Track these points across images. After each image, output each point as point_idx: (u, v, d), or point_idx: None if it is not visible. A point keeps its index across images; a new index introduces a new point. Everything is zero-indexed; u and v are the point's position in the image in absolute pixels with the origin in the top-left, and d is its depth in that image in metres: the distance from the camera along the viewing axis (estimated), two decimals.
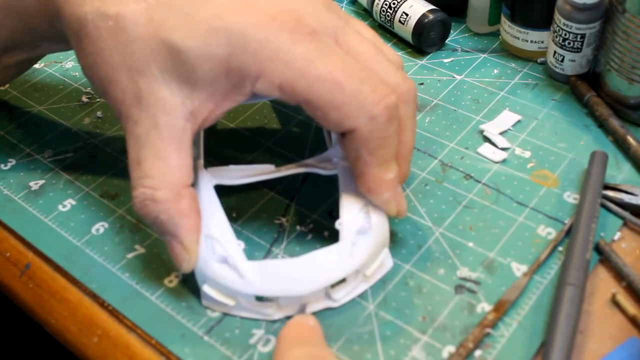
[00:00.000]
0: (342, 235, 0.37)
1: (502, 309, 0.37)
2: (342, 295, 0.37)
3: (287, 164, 0.41)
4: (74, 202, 0.45)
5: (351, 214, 0.37)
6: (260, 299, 0.36)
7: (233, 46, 0.33)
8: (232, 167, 0.41)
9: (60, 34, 0.38)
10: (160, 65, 0.34)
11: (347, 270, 0.36)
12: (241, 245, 0.36)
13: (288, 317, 0.37)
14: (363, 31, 0.39)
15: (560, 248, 0.40)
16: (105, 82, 0.36)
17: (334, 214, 0.43)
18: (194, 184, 0.39)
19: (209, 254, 0.36)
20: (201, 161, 0.41)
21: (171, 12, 0.34)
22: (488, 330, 0.36)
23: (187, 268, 0.36)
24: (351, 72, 0.34)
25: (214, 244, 0.36)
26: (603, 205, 0.41)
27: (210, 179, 0.39)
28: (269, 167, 0.41)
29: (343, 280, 0.37)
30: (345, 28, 0.37)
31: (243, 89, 0.35)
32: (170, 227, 0.35)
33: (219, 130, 0.49)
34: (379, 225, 0.37)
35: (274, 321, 0.37)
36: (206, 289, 0.37)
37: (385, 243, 0.38)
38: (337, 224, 0.38)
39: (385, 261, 0.39)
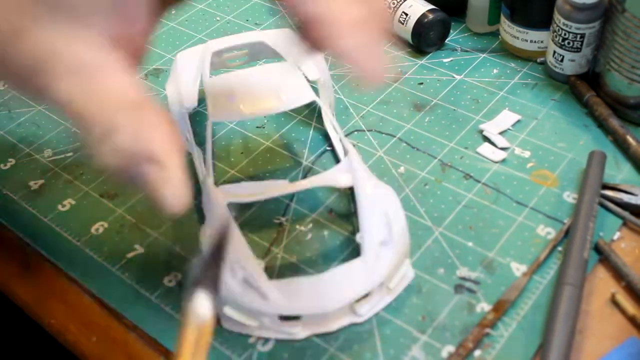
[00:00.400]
0: (365, 249, 0.37)
1: (501, 309, 0.37)
2: (367, 310, 0.37)
3: (285, 164, 0.41)
4: (73, 202, 0.45)
5: (372, 226, 0.37)
6: (284, 318, 0.36)
7: None
8: (244, 184, 0.41)
9: None
10: (48, 14, 0.29)
11: (371, 284, 0.36)
12: (261, 264, 0.36)
13: (316, 336, 0.36)
14: None
15: (559, 248, 0.40)
16: (3, 69, 0.30)
17: (333, 212, 0.43)
18: (205, 203, 0.39)
19: (229, 276, 0.35)
20: (211, 179, 0.40)
21: None
22: (487, 330, 0.36)
23: (172, 199, 0.28)
24: None
25: (233, 265, 0.36)
26: (602, 205, 0.41)
27: (223, 197, 0.39)
28: (282, 182, 0.41)
29: (367, 295, 0.36)
30: None
31: None
32: (139, 148, 0.28)
33: (219, 129, 0.49)
34: (400, 236, 0.37)
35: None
36: (228, 311, 0.36)
37: (406, 254, 0.38)
38: (358, 237, 0.37)
39: (407, 272, 0.38)
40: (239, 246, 0.37)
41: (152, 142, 0.28)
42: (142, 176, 0.28)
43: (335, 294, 0.35)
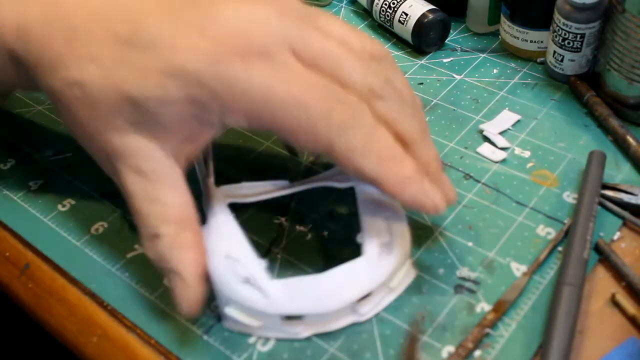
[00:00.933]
0: (366, 249, 0.36)
1: (501, 309, 0.37)
2: (369, 309, 0.37)
3: (286, 164, 0.41)
4: (73, 202, 0.45)
5: (372, 226, 0.37)
6: (286, 318, 0.36)
7: (189, 86, 0.33)
8: (245, 184, 0.41)
9: (36, 89, 0.38)
10: (126, 118, 0.34)
11: (373, 284, 0.36)
12: (262, 264, 0.36)
13: (316, 335, 0.36)
14: (327, 25, 0.36)
15: (559, 248, 0.40)
16: (85, 143, 0.37)
17: (333, 212, 0.43)
18: (206, 203, 0.39)
19: (231, 275, 0.35)
20: (211, 179, 0.40)
21: (125, 66, 0.34)
22: (487, 330, 0.36)
23: (187, 307, 0.35)
24: (311, 89, 0.33)
25: (235, 265, 0.36)
26: (602, 205, 0.41)
27: (224, 197, 0.39)
28: (283, 182, 0.41)
29: (369, 294, 0.36)
30: (301, 32, 0.35)
31: (213, 124, 0.35)
32: (171, 260, 0.35)
33: None
34: (401, 236, 0.37)
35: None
36: (229, 311, 0.36)
37: (407, 253, 0.38)
38: (359, 238, 0.37)
39: (409, 271, 0.38)
40: (240, 245, 0.37)
41: (182, 262, 0.34)
42: (169, 278, 0.35)
43: (337, 294, 0.35)
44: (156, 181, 0.35)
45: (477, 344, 0.35)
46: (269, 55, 0.33)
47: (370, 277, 0.36)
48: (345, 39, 0.36)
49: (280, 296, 0.35)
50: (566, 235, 0.40)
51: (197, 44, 0.33)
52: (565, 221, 0.41)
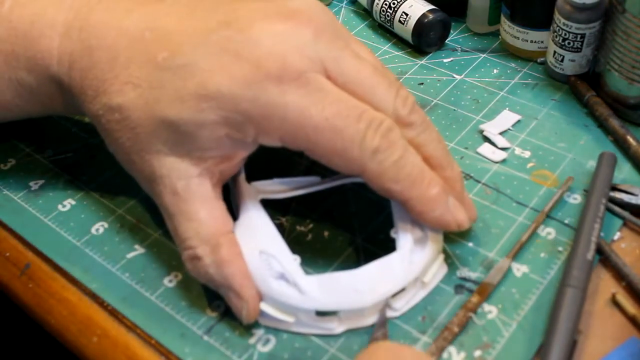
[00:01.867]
0: (400, 244, 0.37)
1: (484, 292, 0.37)
2: (402, 304, 0.37)
3: (286, 164, 0.41)
4: (73, 202, 0.45)
5: (406, 221, 0.37)
6: (320, 313, 0.36)
7: (225, 110, 0.34)
8: (276, 180, 0.41)
9: (79, 113, 0.40)
10: (163, 140, 0.36)
11: (407, 279, 0.36)
12: (297, 259, 0.36)
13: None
14: (361, 51, 0.38)
15: (559, 248, 0.40)
16: (126, 165, 0.39)
17: (334, 214, 0.43)
18: (236, 199, 0.40)
19: (265, 271, 0.36)
20: (243, 175, 0.40)
21: (162, 91, 0.35)
22: (471, 314, 0.36)
23: (247, 317, 0.36)
24: (346, 112, 0.34)
25: (270, 260, 0.36)
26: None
27: (256, 193, 0.39)
28: (315, 179, 0.41)
29: (403, 289, 0.36)
30: (336, 56, 0.35)
31: (247, 144, 0.36)
32: (219, 278, 0.36)
33: None
34: (434, 231, 0.37)
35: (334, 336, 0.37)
36: (264, 307, 0.36)
37: (440, 248, 0.38)
38: (393, 233, 0.38)
39: (441, 266, 0.39)
40: (274, 241, 0.37)
41: (231, 277, 0.35)
42: (221, 293, 0.36)
43: (372, 289, 0.36)
44: (190, 200, 0.36)
45: (463, 327, 0.36)
46: (305, 80, 0.34)
47: (404, 272, 0.36)
48: (375, 64, 0.37)
49: (316, 292, 0.35)
50: (547, 218, 0.41)
51: (232, 68, 0.34)
52: (566, 221, 0.41)
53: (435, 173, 0.37)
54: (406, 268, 0.36)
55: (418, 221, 0.37)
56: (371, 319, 0.36)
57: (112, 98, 0.36)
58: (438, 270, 0.38)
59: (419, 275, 0.37)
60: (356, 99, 0.35)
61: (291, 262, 0.36)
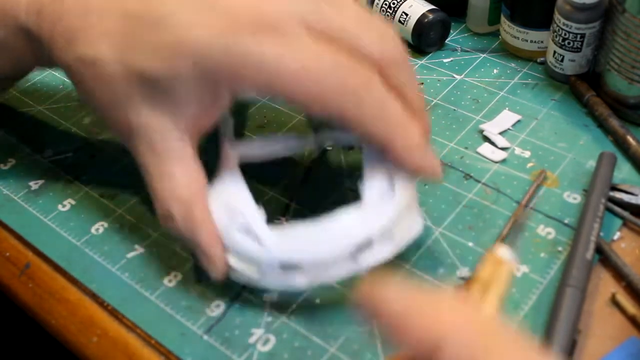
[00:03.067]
0: (365, 194, 0.36)
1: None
2: (367, 259, 0.35)
3: (286, 163, 0.41)
4: (73, 202, 0.45)
5: (374, 174, 0.37)
6: (284, 267, 0.35)
7: (199, 63, 0.34)
8: (257, 140, 0.41)
9: (50, 65, 0.39)
10: (140, 94, 0.35)
11: (372, 230, 0.35)
12: (262, 214, 0.36)
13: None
14: (344, 3, 0.36)
15: (559, 248, 0.40)
16: (104, 120, 0.38)
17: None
18: (220, 158, 0.40)
19: (231, 224, 0.36)
20: (227, 137, 0.40)
21: (136, 43, 0.35)
22: None
23: (215, 275, 0.36)
24: (324, 61, 0.34)
25: (234, 214, 0.36)
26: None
27: (234, 152, 0.39)
28: (295, 138, 0.41)
29: (369, 243, 0.35)
30: (315, 7, 0.35)
31: (224, 96, 0.36)
32: (190, 237, 0.36)
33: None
34: (404, 186, 0.36)
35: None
36: (230, 260, 0.36)
37: (411, 205, 0.37)
38: (360, 186, 0.37)
39: (414, 224, 0.37)
40: (240, 193, 0.37)
41: (199, 237, 0.36)
42: (193, 251, 0.37)
43: (334, 240, 0.35)
44: (167, 158, 0.36)
45: None
46: (281, 29, 0.33)
47: (368, 222, 0.35)
48: (360, 15, 0.36)
49: (277, 243, 0.35)
50: (525, 208, 0.41)
51: (207, 20, 0.34)
52: (566, 221, 0.41)
53: (414, 118, 0.36)
54: (371, 219, 0.35)
55: (388, 171, 0.37)
56: (335, 273, 0.35)
57: (86, 50, 0.35)
58: (410, 226, 0.37)
59: (385, 228, 0.35)
60: (336, 48, 0.34)
61: (254, 215, 0.36)
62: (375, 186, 0.36)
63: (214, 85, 0.35)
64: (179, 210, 0.36)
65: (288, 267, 0.35)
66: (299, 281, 0.35)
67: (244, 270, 0.36)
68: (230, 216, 0.36)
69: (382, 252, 0.36)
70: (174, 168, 0.36)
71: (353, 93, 0.34)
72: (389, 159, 0.36)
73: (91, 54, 0.35)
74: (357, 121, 0.35)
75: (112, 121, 0.37)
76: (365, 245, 0.35)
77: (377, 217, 0.35)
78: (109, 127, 0.38)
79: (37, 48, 0.38)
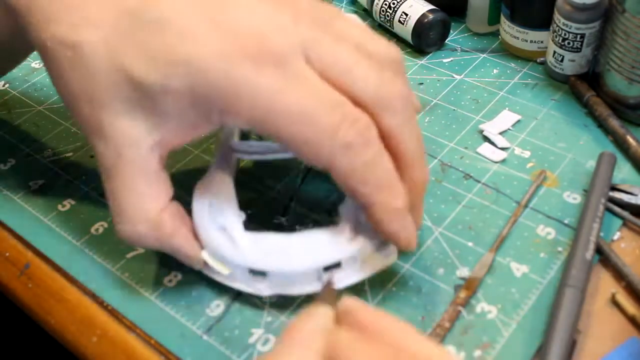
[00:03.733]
0: (343, 219, 0.36)
1: (472, 287, 0.38)
2: (337, 281, 0.35)
3: (285, 164, 0.41)
4: (73, 202, 0.45)
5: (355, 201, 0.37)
6: (253, 272, 0.36)
7: (194, 79, 0.32)
8: (253, 142, 0.41)
9: (26, 42, 0.36)
10: (122, 97, 0.33)
11: (342, 253, 0.35)
12: (242, 216, 0.36)
13: (282, 298, 0.36)
14: (343, 29, 0.35)
15: (559, 248, 0.40)
16: (68, 106, 0.35)
17: (332, 214, 0.43)
18: (217, 156, 0.40)
19: (210, 222, 0.36)
20: (228, 137, 0.41)
21: (129, 42, 0.32)
22: (460, 308, 0.36)
23: (198, 267, 0.37)
24: (321, 101, 0.32)
25: (215, 212, 0.36)
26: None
27: (233, 153, 0.40)
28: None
29: (338, 265, 0.35)
30: (316, 38, 0.33)
31: (211, 120, 0.33)
32: (166, 247, 0.36)
33: None
34: None
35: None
36: (204, 255, 0.36)
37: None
38: (340, 207, 0.37)
39: (388, 254, 0.37)
40: (225, 194, 0.37)
41: (175, 246, 0.36)
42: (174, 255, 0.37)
43: (304, 256, 0.35)
44: (134, 172, 0.34)
45: (454, 322, 0.36)
46: (282, 62, 0.32)
47: (340, 246, 0.35)
48: (361, 42, 0.35)
49: (249, 248, 0.35)
50: (525, 209, 0.42)
51: (210, 36, 0.32)
52: (566, 221, 0.41)
53: (405, 172, 0.35)
54: (343, 243, 0.35)
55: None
56: (299, 289, 0.36)
57: (66, 32, 0.33)
58: (384, 257, 0.36)
59: (357, 255, 0.35)
60: (336, 89, 0.33)
61: (233, 216, 0.36)
62: (352, 212, 0.36)
63: (204, 107, 0.33)
64: (145, 227, 0.35)
65: (256, 273, 0.36)
66: (264, 289, 0.36)
67: (214, 265, 0.36)
68: (211, 214, 0.36)
69: (350, 276, 0.36)
70: (138, 182, 0.34)
71: (347, 146, 0.32)
72: (367, 219, 0.35)
73: (73, 38, 0.33)
74: (343, 176, 0.33)
75: (79, 114, 0.34)
76: (334, 266, 0.35)
77: (350, 243, 0.35)
78: (72, 117, 0.35)
79: (13, 24, 0.36)
